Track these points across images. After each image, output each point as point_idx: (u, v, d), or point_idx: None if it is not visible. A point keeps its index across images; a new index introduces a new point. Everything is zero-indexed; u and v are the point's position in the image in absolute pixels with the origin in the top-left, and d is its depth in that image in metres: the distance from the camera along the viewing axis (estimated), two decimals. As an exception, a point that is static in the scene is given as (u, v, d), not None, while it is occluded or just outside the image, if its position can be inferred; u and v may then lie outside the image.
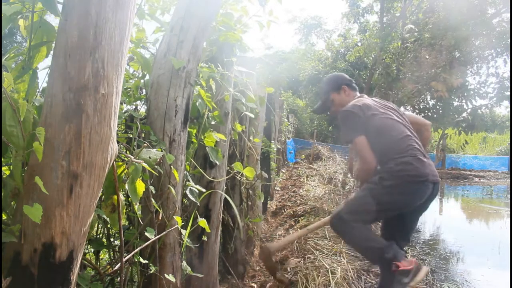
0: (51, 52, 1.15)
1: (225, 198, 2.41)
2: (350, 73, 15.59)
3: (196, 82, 1.85)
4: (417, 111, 5.64)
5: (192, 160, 2.11)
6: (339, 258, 3.30)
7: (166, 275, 1.60)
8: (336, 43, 15.24)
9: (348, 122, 2.27)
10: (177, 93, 1.69)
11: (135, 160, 1.28)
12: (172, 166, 1.64)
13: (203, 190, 1.98)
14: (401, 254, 2.14)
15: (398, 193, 2.15)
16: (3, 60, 1.28)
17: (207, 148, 2.07)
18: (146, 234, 1.50)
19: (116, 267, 1.42)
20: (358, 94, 2.51)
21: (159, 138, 1.65)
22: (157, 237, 1.56)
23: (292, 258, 3.18)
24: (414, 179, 2.13)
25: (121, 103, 1.77)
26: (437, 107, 5.42)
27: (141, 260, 1.53)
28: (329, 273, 2.91)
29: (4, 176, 1.06)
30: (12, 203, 1.05)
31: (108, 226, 1.61)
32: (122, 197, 1.37)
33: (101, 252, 1.85)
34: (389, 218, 2.34)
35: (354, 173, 2.37)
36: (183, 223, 1.73)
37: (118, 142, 1.22)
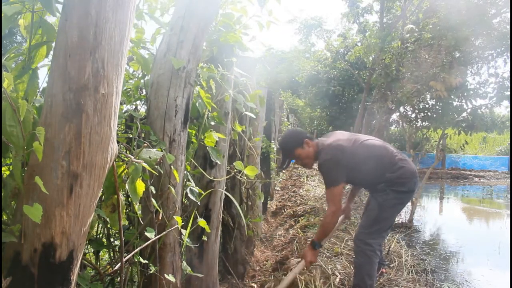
0: (51, 52, 1.15)
1: (225, 198, 2.41)
2: (350, 73, 15.57)
3: (196, 82, 1.85)
4: (416, 111, 5.63)
5: (192, 160, 2.11)
6: (339, 259, 3.30)
7: (166, 275, 1.60)
8: (335, 43, 15.23)
9: (330, 169, 2.51)
10: (177, 93, 1.69)
11: (135, 160, 1.28)
12: (172, 166, 1.64)
13: (203, 192, 1.98)
14: None
15: (405, 193, 2.54)
16: (3, 60, 1.28)
17: (207, 147, 2.07)
18: (146, 234, 1.50)
19: (116, 267, 1.42)
20: (316, 140, 2.69)
21: (159, 138, 1.65)
22: (157, 237, 1.56)
23: (293, 258, 3.18)
24: (411, 177, 2.54)
25: (121, 103, 1.77)
26: (437, 107, 5.41)
27: (141, 260, 1.53)
28: (330, 274, 2.91)
29: (4, 176, 1.06)
30: (12, 203, 1.05)
31: (108, 226, 1.61)
32: (122, 197, 1.37)
33: (101, 252, 1.85)
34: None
35: (325, 218, 2.57)
36: (183, 223, 1.73)
37: (118, 142, 1.21)
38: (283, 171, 9.39)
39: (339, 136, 2.67)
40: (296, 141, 2.64)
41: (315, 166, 2.73)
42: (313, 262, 2.62)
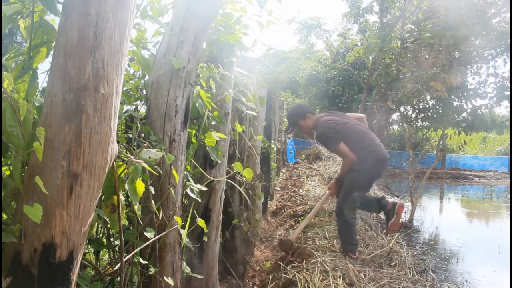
0: (51, 52, 1.15)
1: (225, 198, 2.40)
2: (350, 73, 15.56)
3: (196, 83, 1.85)
4: (417, 111, 5.63)
5: (192, 160, 2.10)
6: (340, 259, 3.29)
7: (165, 277, 1.60)
8: (335, 43, 15.23)
9: (327, 138, 3.18)
10: (177, 93, 1.69)
11: (135, 160, 1.28)
12: (172, 166, 1.64)
13: (204, 188, 1.98)
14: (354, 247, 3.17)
15: (373, 170, 3.13)
16: (3, 60, 1.28)
17: (207, 147, 2.07)
18: (146, 234, 1.50)
19: (116, 267, 1.42)
20: (317, 116, 3.39)
21: (159, 138, 1.65)
22: (157, 237, 1.56)
23: (292, 258, 3.18)
24: (381, 158, 3.13)
25: (121, 103, 1.76)
26: (437, 107, 5.41)
27: (141, 260, 1.53)
28: (330, 274, 2.91)
29: (4, 176, 1.06)
30: (12, 203, 1.05)
31: (108, 226, 1.61)
32: (122, 197, 1.37)
33: (101, 252, 1.85)
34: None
35: (344, 163, 3.23)
36: (183, 223, 1.73)
37: (118, 142, 1.21)
38: (284, 168, 9.40)
39: (333, 116, 3.33)
40: (300, 114, 3.33)
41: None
42: (333, 194, 3.42)
